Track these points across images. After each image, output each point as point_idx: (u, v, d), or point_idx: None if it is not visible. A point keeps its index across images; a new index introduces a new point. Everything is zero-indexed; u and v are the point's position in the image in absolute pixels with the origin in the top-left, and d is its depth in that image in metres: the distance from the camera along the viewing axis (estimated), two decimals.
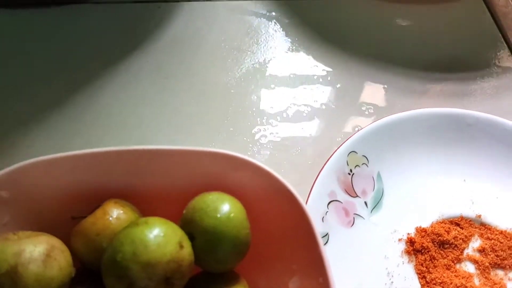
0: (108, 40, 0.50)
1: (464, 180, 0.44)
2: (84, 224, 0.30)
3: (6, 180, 0.29)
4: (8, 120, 0.43)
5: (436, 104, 0.49)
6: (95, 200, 0.32)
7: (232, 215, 0.31)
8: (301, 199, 0.31)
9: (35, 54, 0.49)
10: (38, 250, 0.28)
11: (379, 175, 0.42)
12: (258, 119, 0.46)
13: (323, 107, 0.48)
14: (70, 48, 0.49)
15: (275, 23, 0.53)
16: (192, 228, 0.31)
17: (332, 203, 0.39)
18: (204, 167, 0.33)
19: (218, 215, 0.30)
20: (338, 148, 0.41)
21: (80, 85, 0.46)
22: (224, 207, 0.31)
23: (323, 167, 0.40)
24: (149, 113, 0.45)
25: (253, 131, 0.45)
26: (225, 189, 0.33)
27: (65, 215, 0.32)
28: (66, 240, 0.31)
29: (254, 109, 0.47)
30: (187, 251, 0.29)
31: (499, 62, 0.53)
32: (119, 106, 0.45)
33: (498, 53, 0.54)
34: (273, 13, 0.55)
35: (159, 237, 0.28)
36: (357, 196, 0.41)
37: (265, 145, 0.45)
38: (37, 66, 0.48)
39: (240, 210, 0.32)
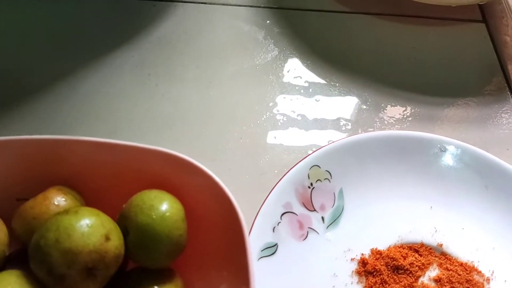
0: (99, 32, 0.51)
1: (431, 207, 0.42)
2: (23, 207, 0.31)
3: None
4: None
5: (417, 126, 0.48)
6: (43, 185, 0.33)
7: (167, 214, 0.31)
8: (238, 208, 0.31)
9: (25, 39, 0.50)
10: None
11: (341, 192, 0.42)
12: (232, 123, 0.46)
13: (299, 118, 0.47)
14: (60, 37, 0.51)
15: (265, 31, 0.53)
16: (127, 223, 0.31)
17: (286, 214, 0.39)
18: (150, 164, 0.33)
19: (152, 213, 0.31)
20: (300, 161, 0.40)
21: (64, 74, 0.47)
22: (161, 206, 0.31)
23: (281, 177, 0.40)
24: (126, 107, 0.46)
25: (225, 135, 0.46)
26: (169, 189, 0.33)
27: (11, 196, 0.33)
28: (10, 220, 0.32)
29: (229, 113, 0.47)
30: (114, 244, 0.29)
31: (491, 90, 0.52)
32: (98, 97, 0.46)
33: (492, 82, 0.53)
34: (268, 22, 0.55)
35: (85, 227, 0.28)
36: (315, 210, 0.41)
37: (233, 150, 0.45)
38: (24, 51, 0.50)
39: (177, 211, 0.32)
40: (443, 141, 0.43)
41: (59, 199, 0.32)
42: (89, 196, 0.34)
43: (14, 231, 0.31)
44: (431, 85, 0.52)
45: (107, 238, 0.29)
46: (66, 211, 0.29)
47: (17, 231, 0.31)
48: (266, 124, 0.47)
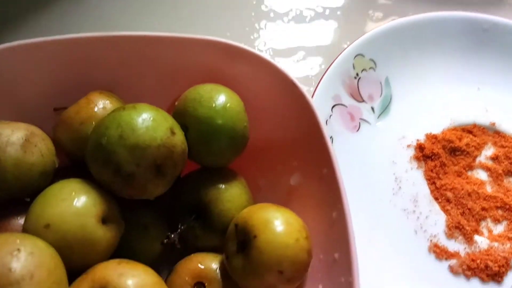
0: None
1: (478, 89, 0.41)
2: (67, 113, 0.28)
3: None
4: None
5: (455, 8, 0.45)
6: (79, 92, 0.29)
7: (228, 105, 0.28)
8: (306, 92, 0.29)
9: None
10: (16, 135, 0.25)
11: (387, 80, 0.39)
12: (256, 21, 0.43)
13: (328, 12, 0.44)
14: None
15: None
16: (185, 119, 0.28)
17: (336, 106, 0.37)
18: (197, 56, 0.30)
19: (214, 105, 0.28)
20: (344, 50, 0.38)
21: None
22: (220, 97, 0.28)
23: (327, 69, 0.37)
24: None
25: (251, 35, 0.42)
26: (221, 82, 0.30)
27: (47, 108, 0.29)
28: (49, 134, 0.28)
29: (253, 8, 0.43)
30: (180, 138, 0.26)
31: None
32: None
33: None
34: None
35: (148, 121, 0.25)
36: (363, 101, 0.38)
37: (265, 50, 0.41)
38: None
39: (237, 102, 0.29)
40: (488, 20, 0.41)
41: (104, 102, 0.28)
42: (128, 99, 0.30)
43: (58, 141, 0.28)
44: None
45: (173, 132, 0.26)
46: (122, 108, 0.26)
47: (62, 141, 0.28)
48: (295, 21, 0.43)
